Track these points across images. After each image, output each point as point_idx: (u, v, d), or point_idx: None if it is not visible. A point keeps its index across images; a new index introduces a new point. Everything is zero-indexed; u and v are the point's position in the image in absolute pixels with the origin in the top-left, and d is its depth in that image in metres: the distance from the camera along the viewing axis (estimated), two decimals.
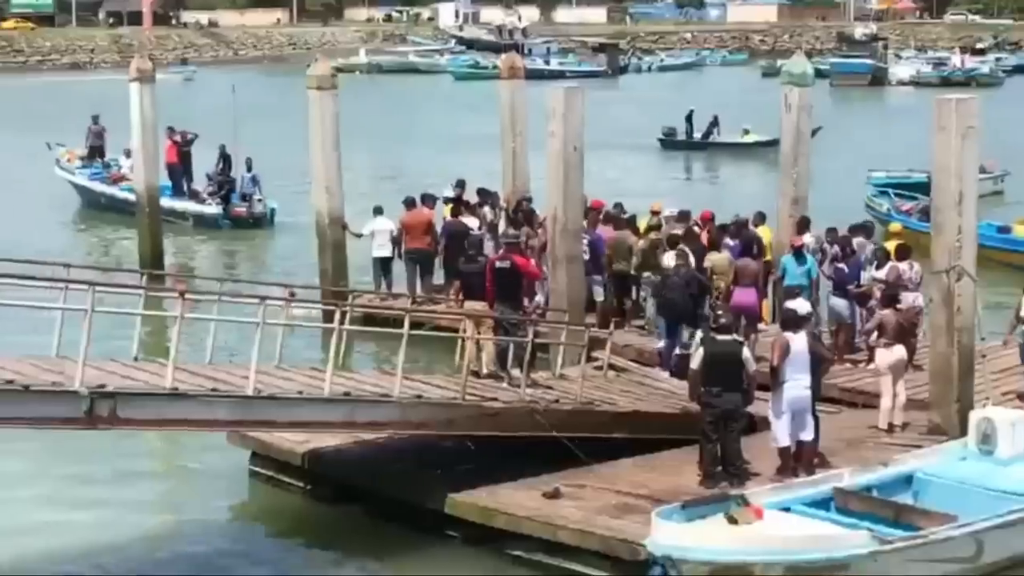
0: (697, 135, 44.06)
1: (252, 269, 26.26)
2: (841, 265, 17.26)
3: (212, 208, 29.87)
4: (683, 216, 19.44)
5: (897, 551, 10.94)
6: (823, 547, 10.83)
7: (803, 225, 18.56)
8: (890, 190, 28.87)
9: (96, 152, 34.42)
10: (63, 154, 34.76)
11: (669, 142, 44.75)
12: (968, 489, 12.29)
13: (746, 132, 39.96)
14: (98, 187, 32.99)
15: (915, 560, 11.05)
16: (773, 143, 34.14)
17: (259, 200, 30.02)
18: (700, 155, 43.40)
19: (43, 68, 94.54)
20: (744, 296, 16.70)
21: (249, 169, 30.02)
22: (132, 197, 30.36)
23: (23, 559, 12.31)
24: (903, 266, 16.88)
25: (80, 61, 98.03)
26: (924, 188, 25.56)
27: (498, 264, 15.14)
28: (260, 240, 29.46)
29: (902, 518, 11.66)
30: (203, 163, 31.16)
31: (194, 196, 30.05)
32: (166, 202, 28.75)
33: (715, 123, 43.42)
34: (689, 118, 44.46)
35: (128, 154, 32.35)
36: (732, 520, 10.97)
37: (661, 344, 16.81)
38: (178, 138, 30.83)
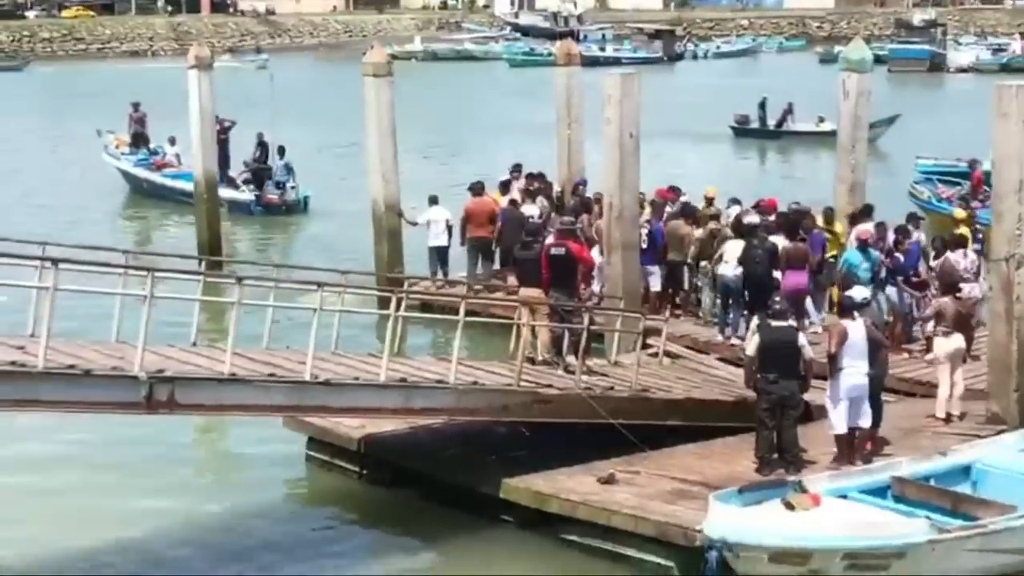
0: (771, 123, 43.64)
1: (284, 255, 26.47)
2: (898, 254, 17.08)
3: (245, 195, 30.23)
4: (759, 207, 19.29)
5: (955, 540, 10.87)
6: (881, 534, 10.79)
7: (864, 213, 18.32)
8: (934, 177, 28.62)
9: (139, 139, 34.91)
10: (111, 141, 35.28)
11: (742, 130, 44.39)
12: None
13: (821, 120, 39.49)
14: (142, 173, 33.50)
15: (972, 550, 10.99)
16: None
17: (292, 187, 30.39)
18: (773, 143, 42.97)
19: (103, 56, 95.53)
20: (795, 279, 16.53)
21: (282, 156, 30.33)
22: (174, 184, 31.60)
23: (82, 544, 12.49)
24: (954, 256, 16.66)
25: (139, 49, 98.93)
26: (968, 176, 26.25)
27: (553, 251, 15.15)
28: (294, 227, 29.78)
29: (960, 508, 11.58)
30: (243, 151, 31.53)
31: (230, 183, 30.36)
32: (185, 186, 29.57)
33: (789, 111, 42.84)
34: (762, 106, 44.02)
35: (172, 141, 33.18)
36: (789, 506, 10.96)
37: (721, 335, 16.72)
38: (216, 125, 31.06)
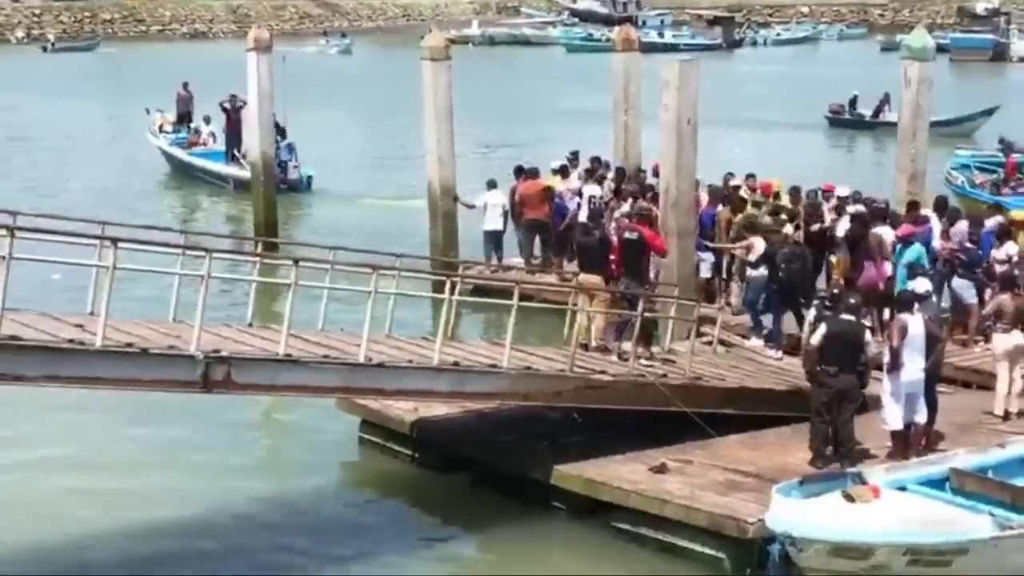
0: (866, 113, 43.08)
1: (284, 233, 26.71)
2: (971, 245, 16.70)
3: (241, 172, 30.64)
4: (793, 192, 19.12)
5: (1018, 537, 10.74)
6: (944, 530, 10.68)
7: (913, 207, 18.00)
8: (972, 164, 28.59)
9: (184, 118, 35.65)
10: (157, 120, 35.96)
11: (837, 120, 43.99)
12: None
13: None
14: (174, 152, 34.25)
15: None
16: (945, 123, 33.96)
17: (295, 167, 30.97)
18: (868, 134, 42.35)
19: (165, 38, 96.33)
20: (865, 272, 16.23)
21: (284, 137, 30.85)
22: (200, 163, 32.81)
23: (139, 522, 12.62)
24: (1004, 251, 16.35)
25: (199, 31, 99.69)
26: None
27: (627, 234, 15.09)
28: (296, 205, 30.10)
29: (1020, 501, 11.42)
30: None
31: (236, 162, 31.26)
32: (209, 165, 31.77)
33: (886, 100, 42.06)
34: (853, 103, 43.52)
35: (208, 120, 33.99)
36: (849, 498, 10.86)
37: (759, 330, 16.51)
38: (228, 105, 32.13)
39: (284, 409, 15.87)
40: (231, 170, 31.66)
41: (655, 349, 15.30)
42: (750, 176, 20.52)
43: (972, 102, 41.61)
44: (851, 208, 17.97)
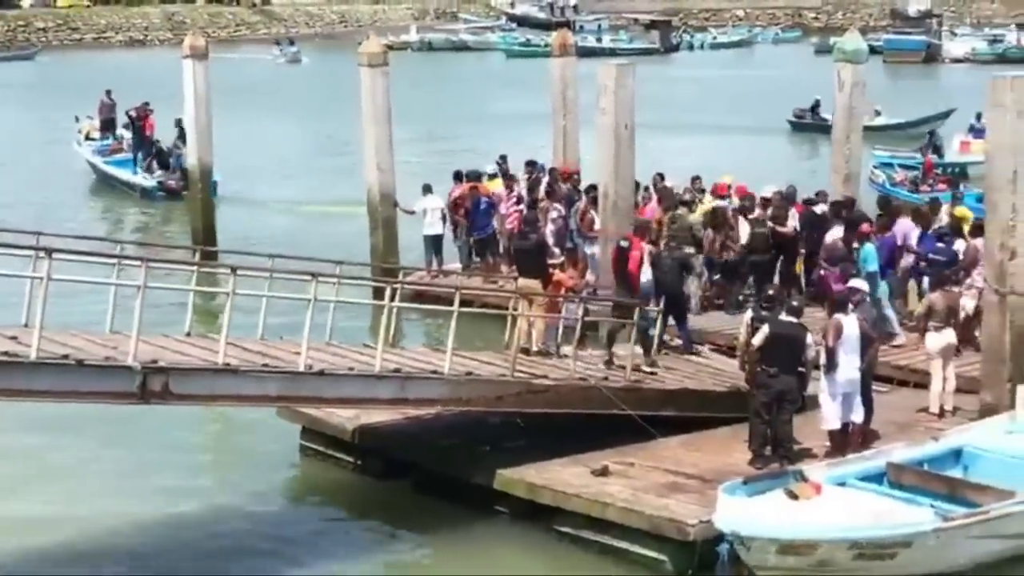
0: (828, 118, 43.29)
1: (181, 239, 27.02)
2: (941, 245, 16.69)
3: (145, 180, 31.66)
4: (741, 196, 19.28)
5: (959, 527, 10.96)
6: (887, 524, 10.87)
7: (850, 204, 18.22)
8: (895, 162, 29.88)
9: (108, 125, 35.80)
10: (85, 128, 36.15)
11: (799, 124, 44.28)
12: (1017, 463, 12.35)
13: (877, 114, 39.47)
14: (94, 160, 34.60)
15: (974, 536, 11.08)
16: (902, 126, 34.62)
17: None
18: (830, 138, 42.21)
19: (99, 45, 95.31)
20: (831, 278, 16.13)
21: (186, 143, 30.48)
22: (111, 170, 33.36)
23: (75, 536, 12.48)
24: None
25: (135, 38, 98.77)
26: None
27: (621, 243, 15.12)
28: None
29: (957, 493, 11.66)
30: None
31: (147, 169, 32.17)
32: (119, 173, 32.59)
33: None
34: (815, 108, 43.74)
35: (128, 127, 34.01)
36: (792, 495, 11.01)
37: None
38: (132, 112, 32.87)
39: (224, 418, 15.76)
40: (137, 178, 32.18)
41: (595, 352, 15.37)
42: (696, 178, 20.63)
43: (906, 103, 42.14)
44: (818, 209, 18.17)
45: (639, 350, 14.71)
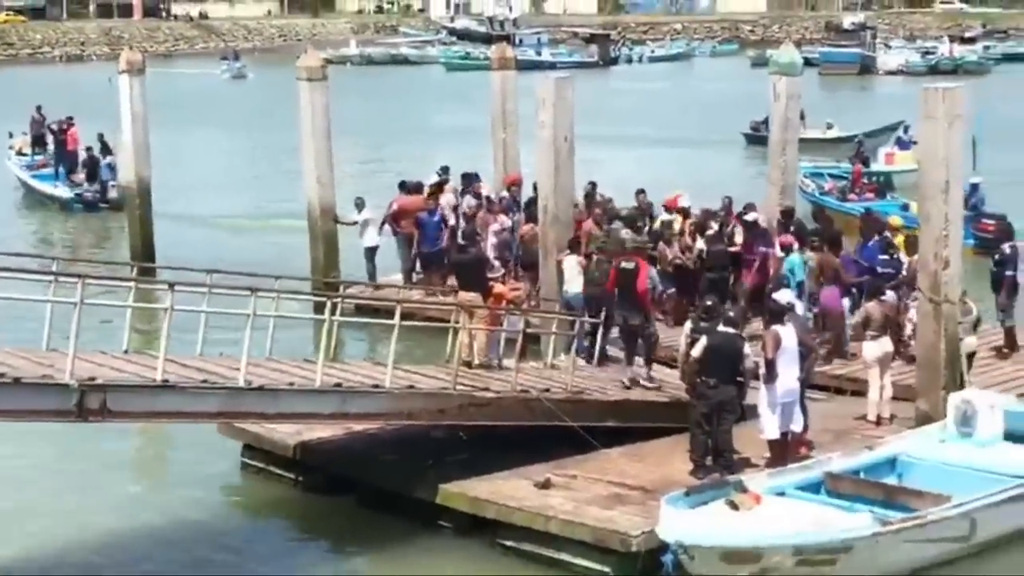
0: None
1: (98, 251, 27.71)
2: (885, 257, 16.72)
3: (64, 193, 32.18)
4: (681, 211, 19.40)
5: (897, 532, 11.14)
6: (828, 530, 11.02)
7: (788, 215, 18.46)
8: (824, 171, 30.51)
9: (39, 141, 36.02)
10: (17, 144, 36.30)
11: (754, 137, 44.29)
12: (950, 470, 12.59)
13: (829, 127, 39.83)
14: (21, 174, 34.89)
15: (913, 541, 11.27)
16: (853, 138, 35.11)
17: (113, 185, 31.55)
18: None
19: (34, 61, 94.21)
20: (826, 294, 16.12)
21: (105, 156, 31.81)
22: (36, 184, 33.73)
23: (10, 555, 12.30)
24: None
25: (71, 53, 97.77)
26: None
27: (623, 264, 15.09)
28: (117, 223, 30.01)
29: (893, 499, 11.85)
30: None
31: (69, 181, 32.66)
32: (42, 186, 33.03)
33: (801, 117, 42.57)
34: (766, 122, 43.95)
35: (55, 142, 34.37)
36: (733, 505, 11.11)
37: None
38: (54, 126, 33.51)
39: (163, 436, 15.62)
40: (57, 191, 32.56)
41: (537, 364, 15.41)
42: (640, 191, 20.67)
43: (842, 115, 42.59)
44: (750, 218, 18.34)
45: (564, 360, 14.75)
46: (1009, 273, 16.58)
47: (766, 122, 43.49)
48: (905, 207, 25.43)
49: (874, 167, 31.73)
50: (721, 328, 12.89)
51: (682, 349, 13.38)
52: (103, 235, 30.08)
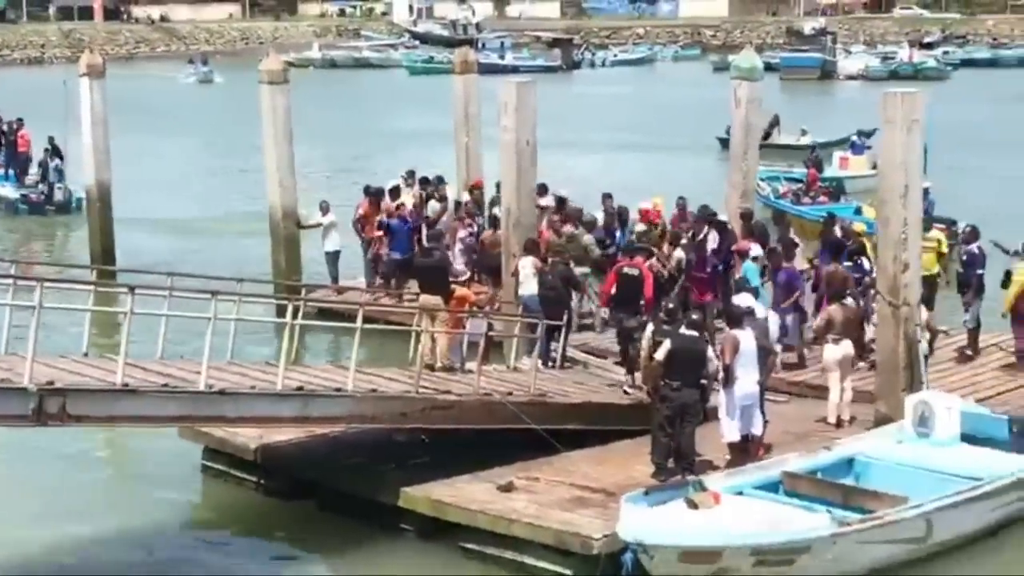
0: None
1: (49, 254, 27.76)
2: (849, 263, 16.72)
3: (10, 193, 32.23)
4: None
5: (855, 533, 11.22)
6: (786, 531, 11.07)
7: (747, 218, 18.47)
8: (781, 175, 30.75)
9: None
10: None
11: (729, 142, 44.11)
12: (907, 470, 12.73)
13: (804, 133, 39.99)
14: None
15: (870, 541, 11.35)
16: (827, 145, 35.33)
17: (59, 188, 31.69)
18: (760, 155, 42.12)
19: None
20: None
21: (54, 158, 31.73)
22: None
23: None
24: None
25: (32, 56, 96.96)
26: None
27: (626, 269, 15.05)
28: (64, 226, 30.75)
29: (850, 500, 11.94)
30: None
31: (19, 182, 32.67)
32: None
33: (776, 122, 42.50)
34: None
35: (5, 143, 34.26)
36: (692, 504, 11.16)
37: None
38: (5, 128, 33.49)
39: (124, 440, 15.52)
40: (3, 191, 32.53)
41: (499, 367, 15.43)
42: (607, 196, 20.65)
43: (803, 120, 42.82)
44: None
45: (527, 363, 14.78)
46: (979, 272, 16.69)
47: None
48: (858, 211, 25.75)
49: (828, 172, 31.99)
50: (684, 331, 12.94)
51: (644, 352, 13.42)
52: (48, 237, 30.14)
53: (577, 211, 19.36)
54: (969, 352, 16.95)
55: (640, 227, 19.37)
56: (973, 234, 17.03)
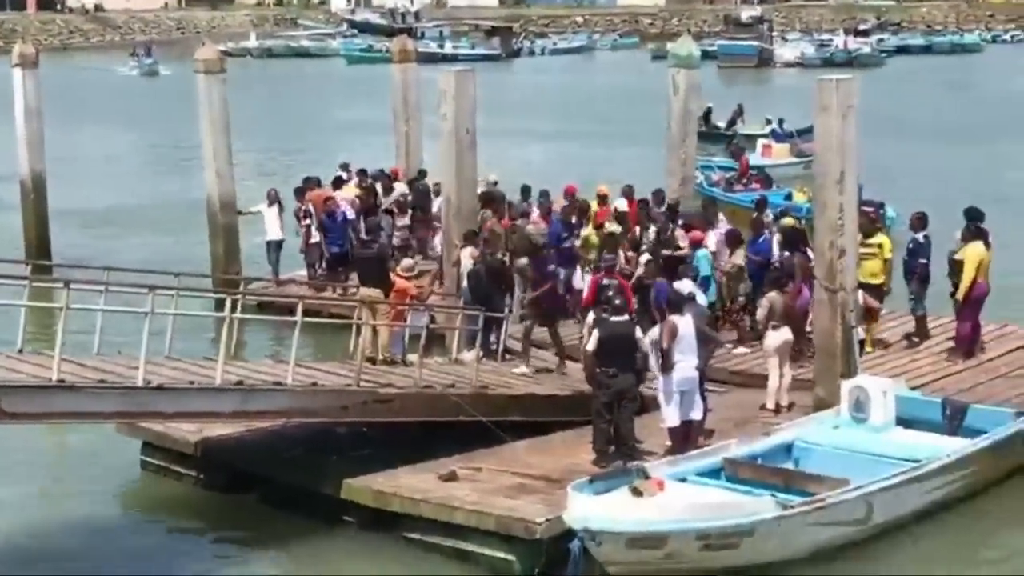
0: (721, 126, 43.42)
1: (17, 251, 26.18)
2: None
3: None
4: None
5: (798, 515, 11.35)
6: (731, 514, 11.16)
7: (674, 209, 18.46)
8: (713, 163, 30.93)
9: None
10: None
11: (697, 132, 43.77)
12: (845, 455, 12.88)
13: (768, 122, 40.12)
14: None
15: (813, 524, 11.49)
16: (799, 133, 35.39)
17: None
18: (719, 146, 42.27)
19: None
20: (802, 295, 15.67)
21: None
22: None
23: None
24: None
25: None
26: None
27: (605, 281, 14.95)
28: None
29: (791, 484, 12.08)
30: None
31: None
32: None
33: (740, 112, 42.52)
34: (707, 115, 43.61)
35: None
36: (636, 492, 11.21)
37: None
38: None
39: (59, 435, 15.34)
40: None
41: (440, 359, 15.42)
42: (543, 194, 20.53)
43: (742, 106, 43.11)
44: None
45: (469, 355, 14.78)
46: (923, 261, 16.76)
47: (706, 117, 44.09)
48: (788, 196, 25.93)
49: (752, 160, 32.17)
50: (612, 318, 13.00)
51: (583, 342, 13.48)
52: (14, 236, 29.35)
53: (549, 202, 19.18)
54: (916, 339, 17.06)
55: (610, 227, 18.56)
56: (921, 221, 16.98)
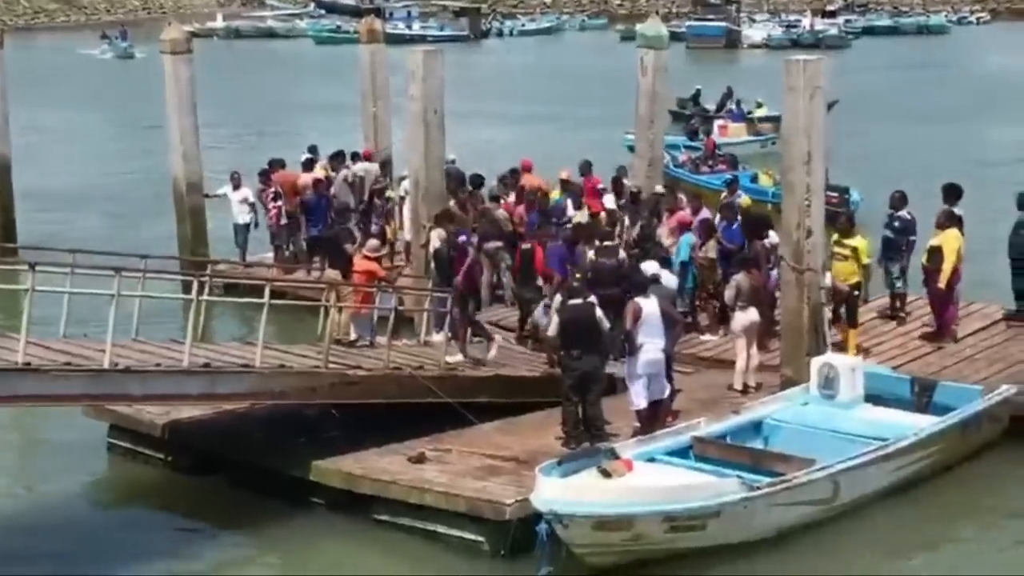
0: (710, 108, 43.20)
1: None
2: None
3: None
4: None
5: (765, 496, 11.41)
6: (697, 496, 11.22)
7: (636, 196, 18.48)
8: (680, 144, 30.68)
9: None
10: None
11: (680, 114, 43.53)
12: (814, 432, 12.95)
13: (759, 105, 39.94)
14: None
15: (779, 504, 11.55)
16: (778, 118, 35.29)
17: None
18: (711, 128, 42.06)
19: None
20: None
21: None
22: None
23: None
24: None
25: None
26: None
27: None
28: None
29: (760, 463, 12.13)
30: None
31: None
32: None
33: (729, 95, 42.27)
34: (696, 97, 43.41)
35: None
36: (605, 473, 11.25)
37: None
38: None
39: (25, 418, 15.24)
40: None
41: (408, 341, 15.40)
42: (512, 173, 20.50)
43: (707, 87, 43.09)
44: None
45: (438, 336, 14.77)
46: (912, 239, 16.66)
47: (694, 99, 43.96)
48: (754, 178, 25.99)
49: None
50: (571, 301, 13.02)
51: (544, 326, 13.52)
52: None
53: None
54: (903, 315, 16.99)
55: (579, 217, 18.43)
56: (902, 200, 16.87)
